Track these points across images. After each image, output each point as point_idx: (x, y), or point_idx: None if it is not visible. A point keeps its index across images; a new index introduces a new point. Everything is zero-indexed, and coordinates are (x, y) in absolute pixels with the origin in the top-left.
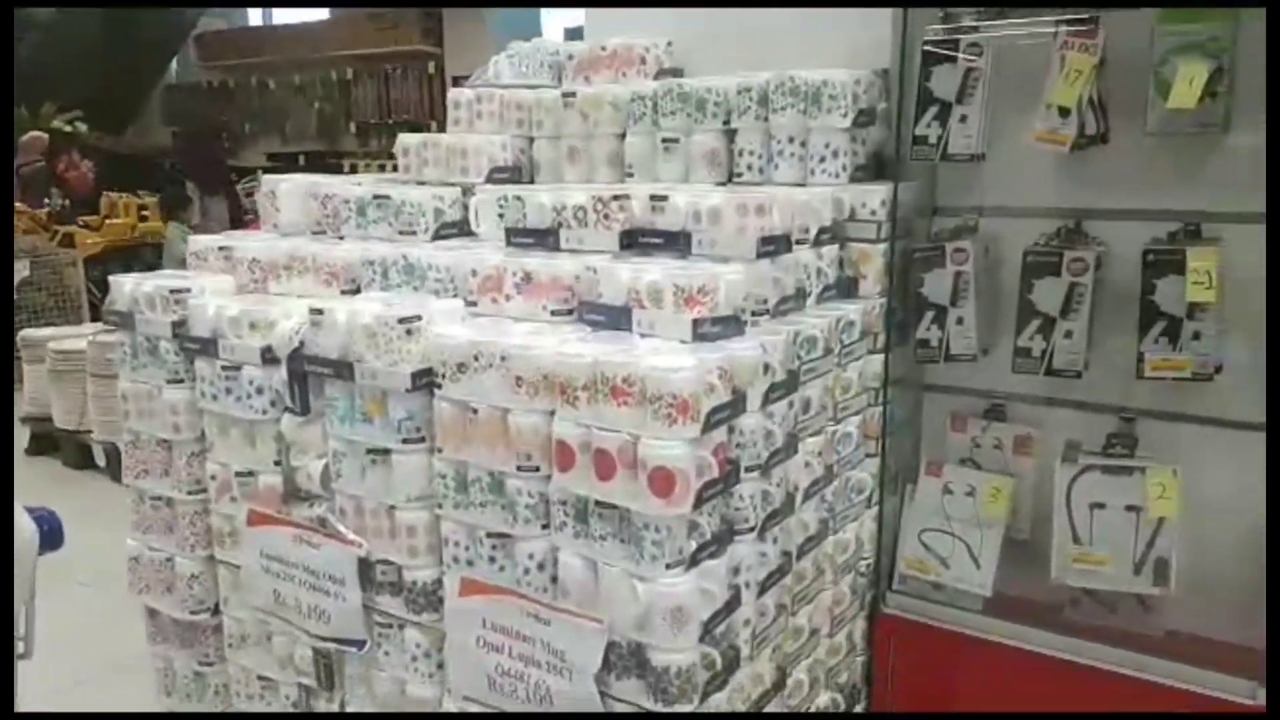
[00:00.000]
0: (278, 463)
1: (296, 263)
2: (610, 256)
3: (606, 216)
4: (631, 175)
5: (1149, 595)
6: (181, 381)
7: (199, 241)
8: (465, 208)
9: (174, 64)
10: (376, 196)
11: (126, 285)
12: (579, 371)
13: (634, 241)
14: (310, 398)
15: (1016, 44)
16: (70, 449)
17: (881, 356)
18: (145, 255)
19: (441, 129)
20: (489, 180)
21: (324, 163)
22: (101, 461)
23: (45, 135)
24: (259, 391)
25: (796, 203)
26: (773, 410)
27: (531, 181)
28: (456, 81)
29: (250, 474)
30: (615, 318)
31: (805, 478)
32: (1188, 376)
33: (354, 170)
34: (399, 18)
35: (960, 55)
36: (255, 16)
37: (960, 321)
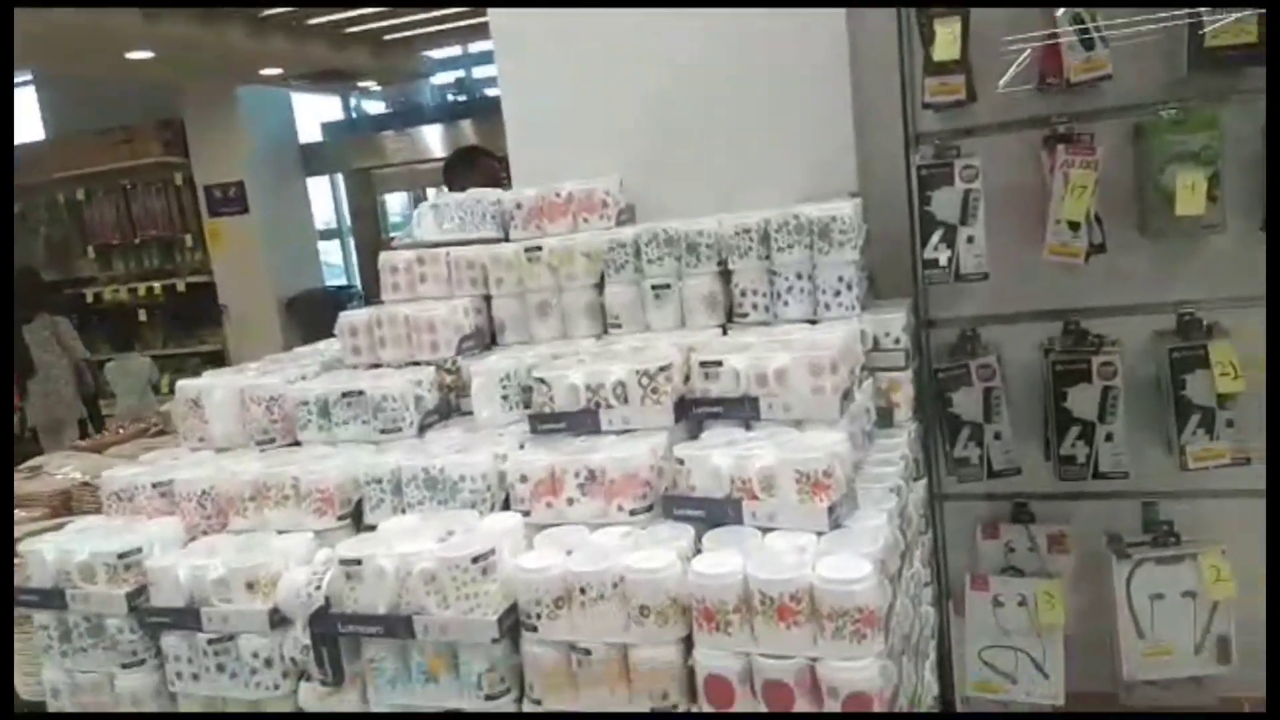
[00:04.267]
0: None
1: (271, 491)
2: (667, 434)
3: (654, 390)
4: (619, 325)
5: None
6: (142, 663)
7: (119, 478)
8: (441, 389)
9: None
10: (346, 394)
11: (48, 555)
12: (727, 593)
13: (687, 413)
14: (344, 663)
15: (1005, 165)
16: None
17: (924, 481)
18: None
19: (199, 243)
20: (459, 352)
21: (60, 293)
22: None
23: None
24: (267, 664)
25: (847, 348)
26: (902, 582)
27: (494, 342)
28: (209, 191)
29: None
30: (718, 512)
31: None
32: (1227, 463)
33: (99, 298)
34: (132, 131)
35: (958, 178)
36: None
37: (999, 436)
